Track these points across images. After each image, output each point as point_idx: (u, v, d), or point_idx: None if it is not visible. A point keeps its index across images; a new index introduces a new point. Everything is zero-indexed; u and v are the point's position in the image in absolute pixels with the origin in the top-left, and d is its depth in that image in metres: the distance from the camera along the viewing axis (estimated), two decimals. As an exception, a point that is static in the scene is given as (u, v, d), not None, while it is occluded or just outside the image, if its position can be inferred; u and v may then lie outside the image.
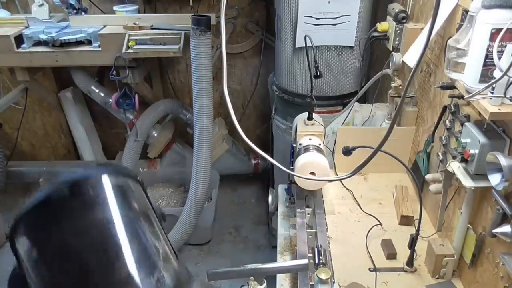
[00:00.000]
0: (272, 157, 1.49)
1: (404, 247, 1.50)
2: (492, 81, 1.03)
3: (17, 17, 2.73)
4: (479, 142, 1.19)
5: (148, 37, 2.59)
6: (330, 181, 1.91)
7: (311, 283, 1.30)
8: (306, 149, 1.60)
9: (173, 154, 3.30)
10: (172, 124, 3.28)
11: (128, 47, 2.52)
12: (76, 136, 3.34)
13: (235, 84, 3.39)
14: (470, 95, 1.12)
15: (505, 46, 1.02)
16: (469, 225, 1.38)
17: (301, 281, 1.32)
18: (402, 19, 1.89)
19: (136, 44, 2.53)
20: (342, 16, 2.12)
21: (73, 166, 3.39)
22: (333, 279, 1.35)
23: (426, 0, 1.78)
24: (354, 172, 0.76)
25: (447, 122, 1.45)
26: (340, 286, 1.40)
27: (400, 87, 1.96)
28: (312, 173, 1.54)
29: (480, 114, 1.20)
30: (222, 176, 3.27)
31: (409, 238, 1.46)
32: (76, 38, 2.51)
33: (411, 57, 1.64)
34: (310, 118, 1.73)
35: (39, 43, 2.53)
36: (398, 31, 1.90)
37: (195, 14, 2.67)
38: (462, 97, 1.25)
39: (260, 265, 1.22)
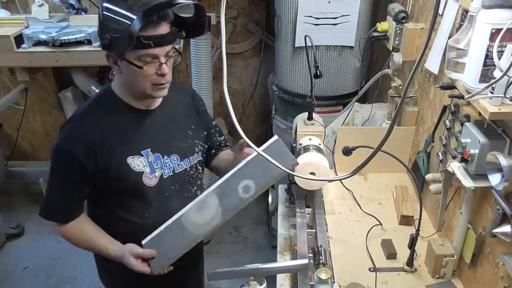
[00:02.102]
0: (272, 157, 1.49)
1: (404, 247, 1.50)
2: (492, 81, 1.02)
3: (17, 17, 2.72)
4: (479, 142, 1.19)
5: (148, 37, 2.58)
6: (330, 181, 1.91)
7: (311, 283, 1.30)
8: (306, 149, 1.60)
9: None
10: (172, 124, 3.27)
11: (128, 47, 2.52)
12: (76, 136, 3.33)
13: (235, 84, 3.39)
14: (470, 95, 1.12)
15: (505, 46, 1.01)
16: (469, 225, 1.38)
17: (301, 281, 1.33)
18: (402, 19, 1.89)
19: (136, 44, 2.52)
20: (342, 16, 2.12)
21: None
22: (333, 279, 1.36)
23: (426, 0, 1.79)
24: (354, 172, 0.76)
25: (447, 122, 1.45)
26: (340, 286, 1.40)
27: (400, 87, 1.96)
28: (312, 173, 1.54)
29: (480, 114, 1.20)
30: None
31: (409, 238, 1.46)
32: (76, 38, 2.51)
33: (432, 63, 1.63)
34: (310, 118, 1.73)
35: (39, 43, 2.53)
36: (398, 31, 1.90)
37: (195, 14, 2.66)
38: (462, 97, 1.25)
39: (260, 265, 1.22)
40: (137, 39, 1.16)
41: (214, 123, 1.64)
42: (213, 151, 1.61)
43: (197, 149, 1.49)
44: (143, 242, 1.33)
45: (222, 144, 1.64)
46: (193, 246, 1.34)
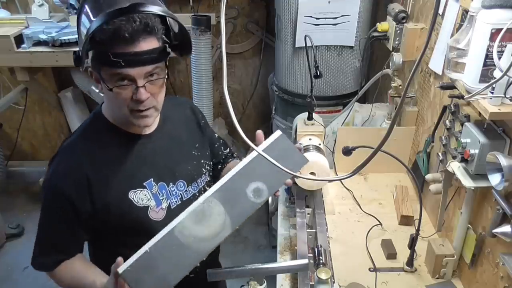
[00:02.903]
0: (272, 157, 1.49)
1: (404, 247, 1.50)
2: (492, 81, 1.02)
3: (17, 17, 2.73)
4: (479, 142, 1.19)
5: (148, 37, 2.58)
6: (330, 181, 1.91)
7: (311, 283, 1.31)
8: (306, 149, 1.60)
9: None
10: (172, 124, 3.27)
11: (128, 47, 2.52)
12: (76, 136, 3.34)
13: (235, 84, 3.39)
14: (470, 95, 1.12)
15: (505, 46, 1.01)
16: (469, 225, 1.38)
17: (301, 281, 1.33)
18: (402, 19, 1.89)
19: (136, 44, 2.52)
20: (342, 16, 2.12)
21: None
22: (333, 279, 1.35)
23: (426, 0, 1.79)
24: (354, 172, 0.76)
25: (447, 122, 1.45)
26: (340, 286, 1.40)
27: (400, 87, 1.96)
28: (312, 173, 1.55)
29: (480, 114, 1.20)
30: (222, 176, 3.26)
31: (409, 238, 1.46)
32: (76, 38, 2.51)
33: (436, 63, 1.63)
34: (310, 118, 1.73)
35: (39, 43, 2.53)
36: (398, 31, 1.90)
37: (195, 14, 2.67)
38: (462, 97, 1.25)
39: (260, 265, 1.22)
40: (106, 55, 1.02)
41: (216, 135, 1.51)
42: (219, 166, 1.49)
43: (204, 170, 1.35)
44: (120, 270, 0.99)
45: (228, 156, 1.52)
46: (198, 262, 1.07)
